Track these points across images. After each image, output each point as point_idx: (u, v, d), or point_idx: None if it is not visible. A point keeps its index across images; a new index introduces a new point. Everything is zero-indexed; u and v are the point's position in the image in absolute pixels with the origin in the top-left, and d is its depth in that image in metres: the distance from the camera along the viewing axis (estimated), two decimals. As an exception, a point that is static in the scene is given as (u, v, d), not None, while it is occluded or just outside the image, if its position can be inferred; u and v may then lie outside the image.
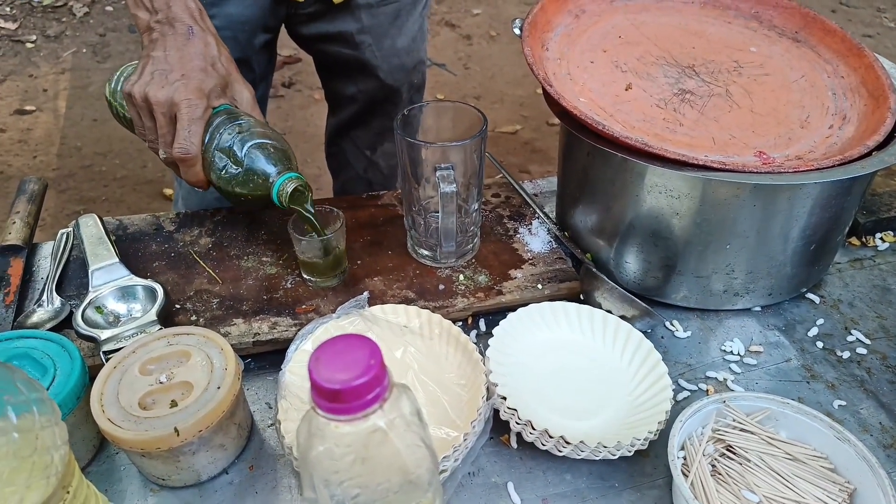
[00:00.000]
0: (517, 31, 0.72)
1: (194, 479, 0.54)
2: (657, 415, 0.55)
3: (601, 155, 0.66)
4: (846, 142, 0.65)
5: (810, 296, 0.73)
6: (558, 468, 0.56)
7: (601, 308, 0.65)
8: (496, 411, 0.56)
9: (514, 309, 0.64)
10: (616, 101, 0.67)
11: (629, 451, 0.53)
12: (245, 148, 0.62)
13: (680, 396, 0.62)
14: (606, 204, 0.69)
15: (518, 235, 0.77)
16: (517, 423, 0.54)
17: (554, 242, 0.76)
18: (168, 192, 2.03)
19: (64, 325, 0.64)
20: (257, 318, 0.66)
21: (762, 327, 0.69)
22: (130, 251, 0.74)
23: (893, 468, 0.56)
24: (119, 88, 0.72)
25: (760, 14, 0.80)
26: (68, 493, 0.39)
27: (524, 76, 2.61)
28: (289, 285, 0.70)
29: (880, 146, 0.63)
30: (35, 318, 0.64)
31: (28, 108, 2.41)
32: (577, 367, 0.62)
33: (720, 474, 0.52)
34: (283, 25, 0.98)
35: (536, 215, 0.79)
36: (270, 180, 0.63)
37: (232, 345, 0.56)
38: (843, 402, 0.61)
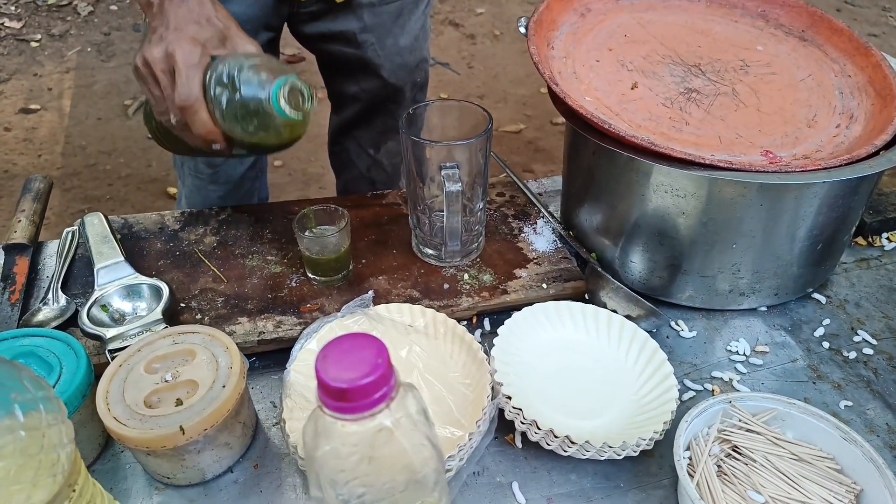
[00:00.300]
0: (523, 30, 0.72)
1: (199, 478, 0.54)
2: (663, 415, 0.55)
3: (607, 154, 0.65)
4: (853, 141, 0.64)
5: (816, 296, 0.72)
6: (563, 468, 0.56)
7: (606, 307, 0.65)
8: (501, 411, 0.56)
9: (518, 308, 0.64)
10: (622, 100, 0.67)
11: (634, 452, 0.53)
12: (241, 72, 0.59)
13: (685, 396, 0.62)
14: (612, 203, 0.69)
15: (523, 235, 0.77)
16: (522, 423, 0.54)
17: (559, 242, 0.76)
18: (172, 190, 2.03)
19: (69, 323, 0.64)
20: (262, 316, 0.66)
21: (768, 327, 0.69)
22: (136, 250, 0.74)
23: (900, 469, 0.56)
24: (146, 111, 0.70)
25: (767, 13, 0.80)
26: (74, 491, 0.39)
27: (528, 75, 2.60)
28: (293, 284, 0.70)
29: (888, 145, 0.63)
30: (41, 317, 0.65)
31: (33, 106, 2.42)
32: (582, 366, 0.61)
33: (726, 475, 0.52)
34: (286, 24, 0.98)
35: (541, 214, 0.79)
36: (267, 92, 0.59)
37: (237, 343, 0.57)
38: (850, 403, 0.61)
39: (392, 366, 0.34)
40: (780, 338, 0.68)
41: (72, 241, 0.74)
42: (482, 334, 0.68)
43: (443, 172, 0.64)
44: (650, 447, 0.54)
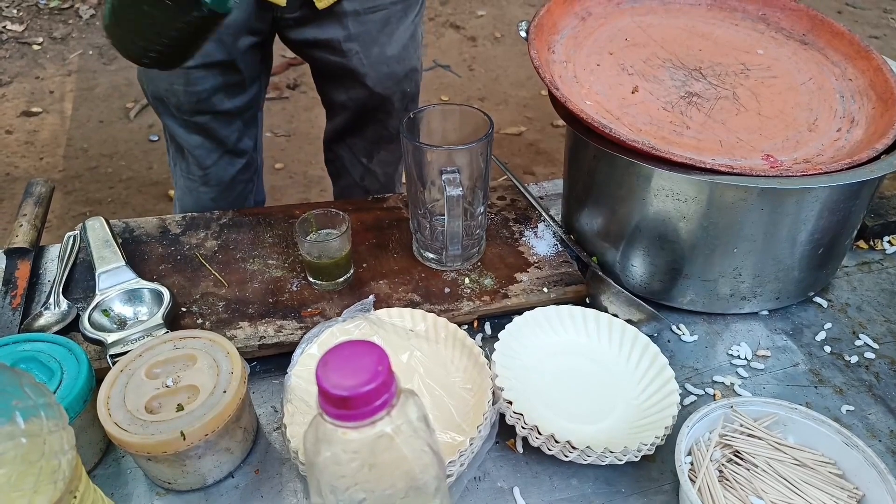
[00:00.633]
0: (523, 34, 0.72)
1: (200, 483, 0.54)
2: (664, 419, 0.55)
3: (607, 158, 0.65)
4: (854, 145, 0.64)
5: (818, 300, 0.72)
6: (564, 473, 0.56)
7: (607, 311, 0.65)
8: (502, 415, 0.56)
9: (519, 312, 0.63)
10: (622, 104, 0.67)
11: (636, 457, 0.53)
12: None
13: (686, 401, 0.62)
14: (612, 207, 0.69)
15: (524, 238, 0.77)
16: (523, 428, 0.54)
17: (560, 246, 0.76)
18: (173, 193, 2.03)
19: (71, 328, 0.64)
20: (263, 321, 0.66)
21: (769, 331, 0.69)
22: (137, 254, 0.74)
23: (902, 474, 0.56)
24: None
25: (768, 16, 0.80)
26: (75, 497, 0.39)
27: (528, 78, 2.60)
28: (294, 288, 0.70)
29: (889, 149, 0.62)
30: (42, 321, 0.65)
31: (34, 109, 2.42)
32: (583, 371, 0.61)
33: (727, 480, 0.51)
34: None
35: (542, 218, 0.79)
36: None
37: (238, 348, 0.56)
38: (852, 408, 0.61)
39: (393, 373, 0.34)
40: (781, 342, 0.68)
41: (73, 245, 0.74)
42: (483, 339, 0.68)
43: (444, 177, 0.64)
44: (651, 452, 0.54)
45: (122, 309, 0.65)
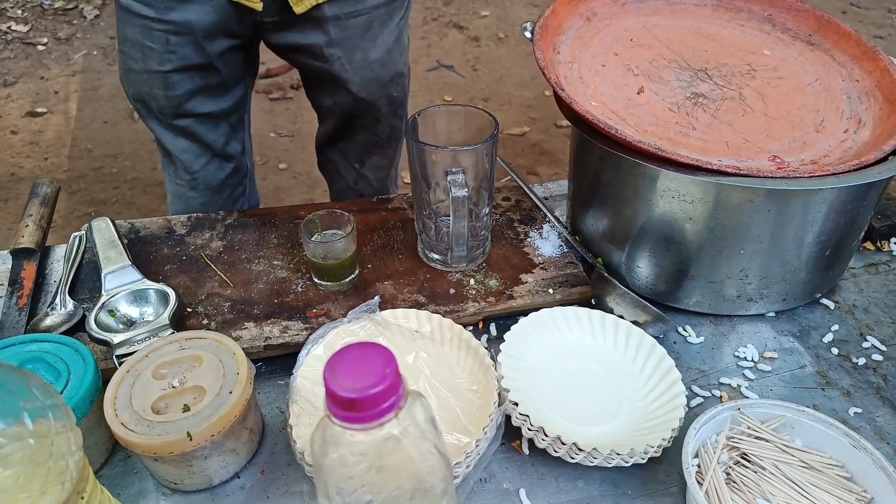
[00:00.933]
0: (528, 35, 0.72)
1: (206, 484, 0.54)
2: (671, 421, 0.55)
3: (613, 159, 0.65)
4: (862, 146, 0.64)
5: (825, 301, 0.72)
6: (570, 475, 0.55)
7: (613, 313, 0.65)
8: (508, 417, 0.56)
9: (525, 313, 0.63)
10: (628, 105, 0.67)
11: (642, 459, 0.53)
12: None
13: (693, 403, 0.61)
14: (618, 208, 0.69)
15: (529, 239, 0.77)
16: (529, 430, 0.54)
17: (565, 246, 0.76)
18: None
19: (77, 328, 0.65)
20: (268, 321, 0.66)
21: (776, 333, 0.69)
22: (142, 254, 0.74)
23: (910, 477, 0.55)
24: None
25: (774, 16, 0.80)
26: (83, 498, 0.39)
27: (532, 78, 2.60)
28: (300, 289, 0.70)
29: (896, 150, 0.62)
30: (48, 322, 0.65)
31: (39, 110, 2.43)
32: (589, 372, 0.61)
33: (735, 482, 0.51)
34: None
35: (547, 219, 0.78)
36: None
37: (243, 349, 0.57)
38: (859, 410, 0.61)
39: (400, 375, 0.34)
40: (788, 344, 0.68)
41: (79, 245, 0.74)
42: (488, 340, 0.68)
43: (449, 178, 0.64)
44: (658, 454, 0.54)
45: (128, 309, 0.65)
